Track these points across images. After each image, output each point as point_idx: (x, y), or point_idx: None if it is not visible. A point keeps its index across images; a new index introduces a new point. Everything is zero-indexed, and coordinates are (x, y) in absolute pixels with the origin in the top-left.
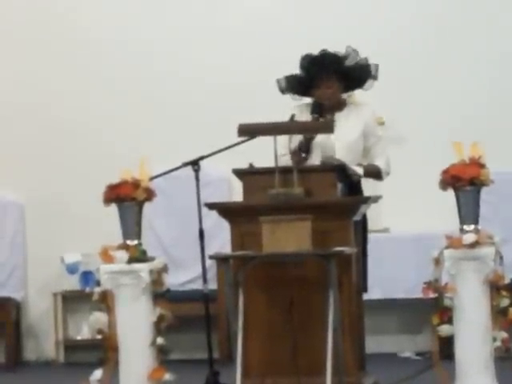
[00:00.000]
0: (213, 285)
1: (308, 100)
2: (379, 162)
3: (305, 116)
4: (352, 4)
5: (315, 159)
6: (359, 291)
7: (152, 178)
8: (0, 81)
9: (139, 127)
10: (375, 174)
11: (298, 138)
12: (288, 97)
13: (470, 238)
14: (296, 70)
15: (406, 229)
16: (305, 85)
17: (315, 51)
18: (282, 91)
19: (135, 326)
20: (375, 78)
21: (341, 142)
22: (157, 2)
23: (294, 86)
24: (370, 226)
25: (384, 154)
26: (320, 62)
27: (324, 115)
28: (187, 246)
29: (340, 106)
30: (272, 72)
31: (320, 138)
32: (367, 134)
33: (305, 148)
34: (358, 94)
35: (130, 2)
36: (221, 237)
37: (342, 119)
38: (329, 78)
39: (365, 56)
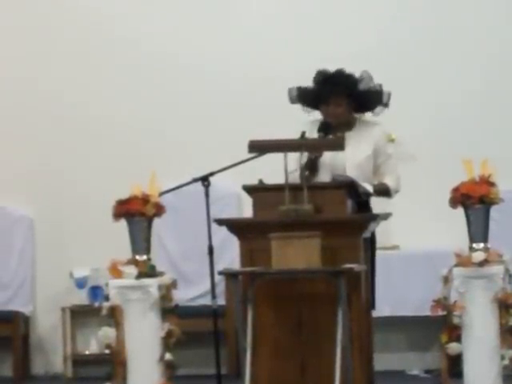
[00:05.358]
0: (221, 300)
1: (320, 116)
2: (388, 180)
3: (315, 133)
4: (367, 21)
5: (324, 177)
6: (368, 308)
7: (162, 194)
8: (9, 91)
9: (149, 143)
10: (384, 191)
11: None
12: (300, 113)
13: (479, 256)
14: (308, 83)
15: (416, 246)
16: (315, 99)
17: (327, 65)
18: (292, 101)
19: (144, 341)
20: (386, 105)
21: (350, 161)
22: (166, 14)
23: (305, 97)
24: (379, 243)
25: (394, 172)
26: (333, 81)
27: (332, 134)
28: (196, 261)
29: (349, 125)
30: (284, 87)
31: (329, 157)
32: (377, 153)
33: (310, 166)
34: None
35: (153, 13)
36: (230, 252)
37: (351, 138)
38: (339, 97)
39: (379, 83)
